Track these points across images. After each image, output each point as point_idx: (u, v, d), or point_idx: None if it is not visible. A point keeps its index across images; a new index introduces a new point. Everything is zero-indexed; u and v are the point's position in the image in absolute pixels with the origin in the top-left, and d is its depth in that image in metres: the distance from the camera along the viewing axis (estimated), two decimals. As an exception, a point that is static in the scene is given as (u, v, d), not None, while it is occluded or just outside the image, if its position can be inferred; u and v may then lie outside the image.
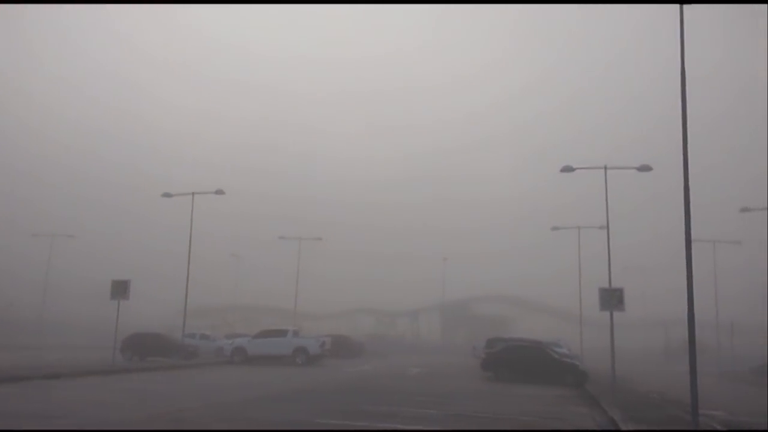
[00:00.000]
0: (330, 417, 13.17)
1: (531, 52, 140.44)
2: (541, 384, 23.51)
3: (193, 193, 32.89)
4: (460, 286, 75.64)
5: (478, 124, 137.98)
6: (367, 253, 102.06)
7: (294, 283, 50.01)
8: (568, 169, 26.51)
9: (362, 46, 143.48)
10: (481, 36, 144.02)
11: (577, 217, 42.82)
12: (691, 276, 11.08)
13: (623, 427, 12.24)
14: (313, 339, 32.82)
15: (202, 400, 15.61)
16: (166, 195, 33.59)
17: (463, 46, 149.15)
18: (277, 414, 13.74)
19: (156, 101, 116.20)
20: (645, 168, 25.37)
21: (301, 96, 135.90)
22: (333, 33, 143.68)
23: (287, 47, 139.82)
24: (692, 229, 11.34)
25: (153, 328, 37.83)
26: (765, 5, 50.26)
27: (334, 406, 15.15)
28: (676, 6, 12.24)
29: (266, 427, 11.75)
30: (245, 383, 20.80)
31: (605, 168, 25.76)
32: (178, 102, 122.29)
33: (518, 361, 25.46)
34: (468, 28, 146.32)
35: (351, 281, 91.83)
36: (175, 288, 35.56)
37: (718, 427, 13.16)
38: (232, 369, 27.76)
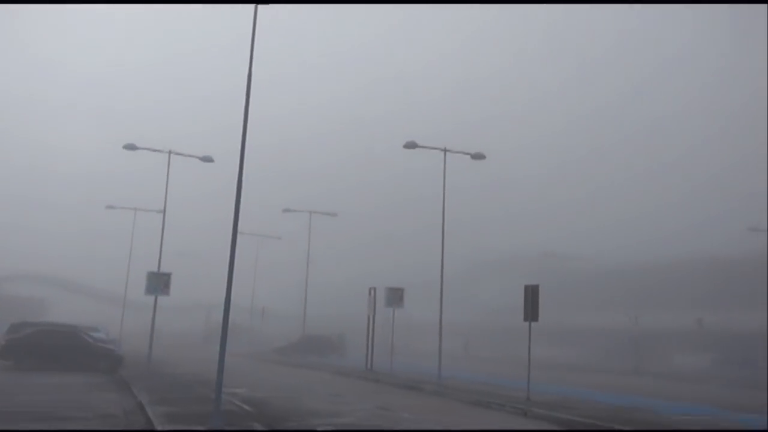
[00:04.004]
0: None
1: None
2: (73, 371, 21.82)
3: None
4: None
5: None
6: None
7: None
8: (131, 147, 25.48)
9: None
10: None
11: (138, 198, 41.51)
12: (233, 263, 11.77)
13: (149, 410, 12.30)
14: None
15: None
16: None
17: None
18: None
19: None
20: (207, 159, 26.34)
21: None
22: None
23: None
24: (240, 222, 12.05)
25: None
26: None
27: None
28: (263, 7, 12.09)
29: None
30: None
31: (169, 153, 25.71)
32: None
33: (47, 347, 23.06)
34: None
35: None
36: None
37: (236, 401, 14.51)
38: None
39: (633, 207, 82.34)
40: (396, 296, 26.16)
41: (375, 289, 27.11)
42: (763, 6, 54.40)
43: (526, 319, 17.31)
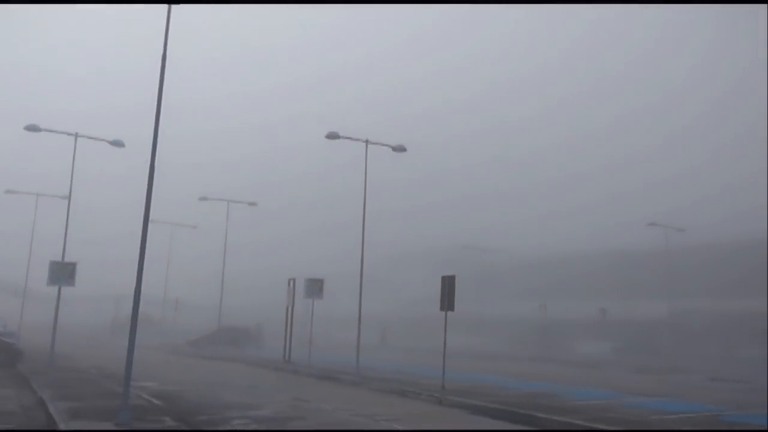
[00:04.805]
0: None
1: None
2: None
3: None
4: None
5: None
6: None
7: None
8: (33, 129, 23.88)
9: None
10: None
11: (43, 184, 38.87)
12: (144, 252, 11.30)
13: (51, 406, 11.63)
14: None
15: None
16: None
17: None
18: None
19: None
20: (117, 143, 25.15)
21: None
22: None
23: None
24: (153, 210, 11.57)
25: None
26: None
27: None
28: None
29: None
30: None
31: (75, 135, 24.26)
32: None
33: (-65, 341, 21.36)
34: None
35: None
36: None
37: (145, 395, 13.99)
38: None
39: (545, 204, 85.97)
40: (315, 287, 26.01)
41: (294, 280, 26.83)
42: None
43: (442, 308, 17.67)
